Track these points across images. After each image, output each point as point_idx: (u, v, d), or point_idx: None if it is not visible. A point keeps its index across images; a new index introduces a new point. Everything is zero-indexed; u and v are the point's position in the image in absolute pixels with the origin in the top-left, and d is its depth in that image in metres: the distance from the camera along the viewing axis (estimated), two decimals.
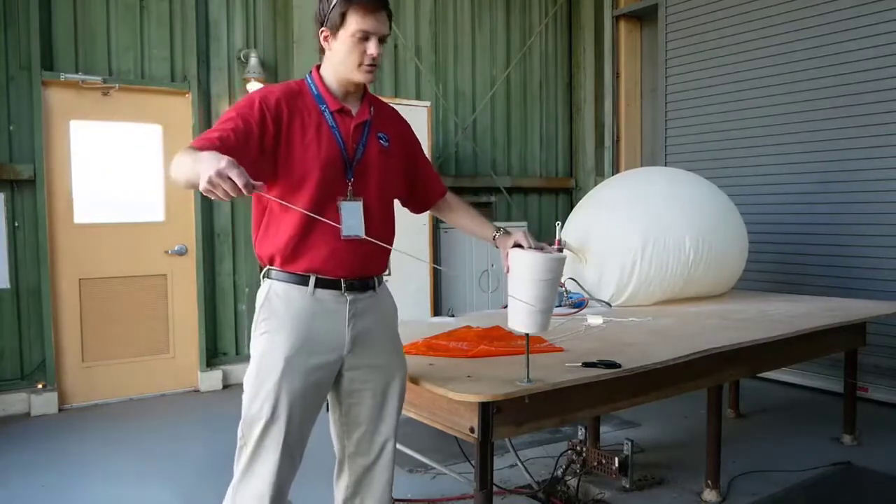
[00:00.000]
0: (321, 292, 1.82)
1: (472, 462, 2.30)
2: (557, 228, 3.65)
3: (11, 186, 4.34)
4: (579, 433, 3.31)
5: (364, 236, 1.84)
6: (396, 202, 2.07)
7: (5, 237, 4.35)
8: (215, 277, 5.04)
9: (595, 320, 3.04)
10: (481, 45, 6.19)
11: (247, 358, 5.50)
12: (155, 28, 4.76)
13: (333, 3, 1.77)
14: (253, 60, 4.93)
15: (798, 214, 4.95)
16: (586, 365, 2.21)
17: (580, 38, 6.65)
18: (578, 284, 3.52)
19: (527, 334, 1.99)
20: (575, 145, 6.78)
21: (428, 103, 5.41)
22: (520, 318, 1.93)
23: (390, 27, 1.85)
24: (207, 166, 1.39)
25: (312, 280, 1.82)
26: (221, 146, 1.60)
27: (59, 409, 4.41)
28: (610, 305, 3.47)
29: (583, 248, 3.57)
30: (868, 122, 4.54)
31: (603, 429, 3.63)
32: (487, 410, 1.99)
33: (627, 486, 3.06)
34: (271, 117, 1.76)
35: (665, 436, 3.87)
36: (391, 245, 1.96)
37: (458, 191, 5.27)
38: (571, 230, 3.71)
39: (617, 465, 3.01)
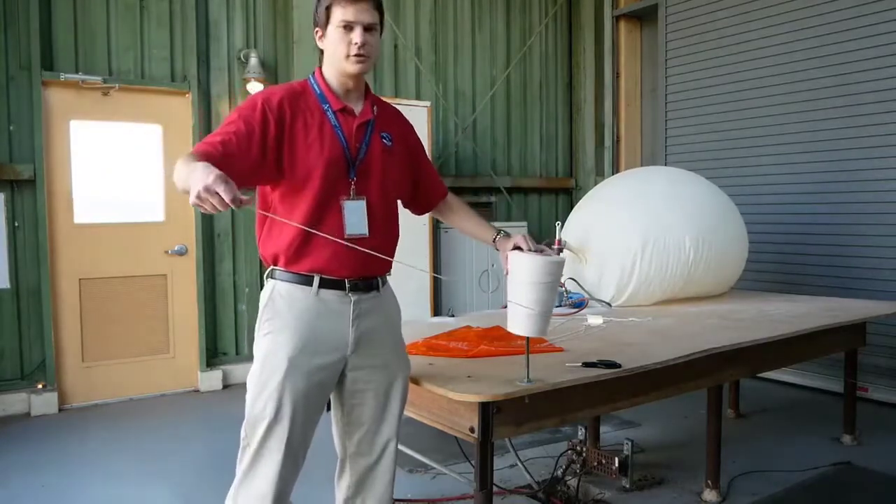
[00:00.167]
0: (325, 292, 1.83)
1: (472, 462, 2.30)
2: (557, 228, 3.65)
3: (11, 186, 4.34)
4: (579, 433, 3.31)
5: (367, 234, 1.84)
6: (399, 203, 2.08)
7: (5, 237, 4.35)
8: (215, 277, 5.04)
9: (595, 320, 3.05)
10: (481, 45, 6.19)
11: (247, 358, 5.54)
12: (155, 28, 4.76)
13: (320, 2, 1.83)
14: (253, 60, 4.93)
15: (798, 214, 4.95)
16: (586, 365, 2.21)
17: (580, 38, 6.65)
18: (578, 284, 3.52)
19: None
20: (575, 145, 6.78)
21: (428, 103, 5.41)
22: (519, 321, 1.93)
23: (381, 19, 1.86)
24: (197, 180, 1.41)
25: (316, 280, 1.82)
26: (223, 150, 1.63)
27: (59, 409, 4.41)
28: (610, 305, 3.47)
29: (583, 248, 3.57)
30: (868, 123, 4.54)
31: (603, 429, 3.63)
32: (487, 410, 1.99)
33: (627, 486, 3.06)
34: (273, 118, 1.77)
35: (665, 436, 3.87)
36: (394, 246, 1.97)
37: (458, 191, 5.28)
38: (571, 230, 3.70)
39: (617, 465, 3.01)
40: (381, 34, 1.88)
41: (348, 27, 1.79)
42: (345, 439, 1.96)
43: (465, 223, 2.19)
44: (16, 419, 4.26)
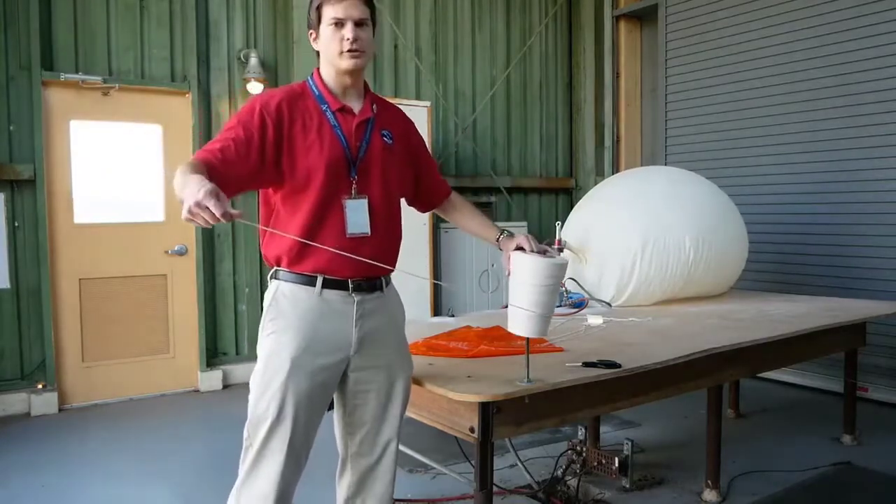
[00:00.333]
0: (328, 293, 1.83)
1: (472, 462, 2.30)
2: (557, 228, 3.65)
3: (11, 186, 4.34)
4: (579, 433, 3.31)
5: (369, 233, 1.84)
6: (402, 202, 2.08)
7: (5, 237, 4.34)
8: (215, 277, 5.04)
9: (595, 320, 3.05)
10: (481, 45, 6.19)
11: (247, 358, 5.54)
12: (155, 28, 4.76)
13: (311, 4, 1.85)
14: (253, 60, 4.93)
15: (798, 214, 4.95)
16: (586, 365, 2.21)
17: (580, 38, 6.65)
18: (578, 284, 3.52)
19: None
20: (575, 145, 6.78)
21: (428, 103, 5.41)
22: (519, 322, 1.93)
23: (372, 14, 1.87)
24: (188, 195, 1.43)
25: (320, 280, 1.82)
26: (223, 157, 1.67)
27: (59, 409, 4.41)
28: (610, 305, 3.47)
29: (583, 247, 3.57)
30: (868, 123, 4.54)
31: (603, 429, 3.63)
32: (487, 410, 1.99)
33: (627, 486, 3.06)
34: (272, 122, 1.78)
35: (665, 436, 3.87)
36: (397, 244, 1.97)
37: (458, 191, 5.25)
38: (571, 230, 3.70)
39: (617, 465, 3.01)
40: (374, 29, 1.89)
41: (339, 24, 1.81)
42: (347, 439, 1.96)
43: (468, 222, 2.18)
44: (16, 419, 4.26)
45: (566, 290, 3.40)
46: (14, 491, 3.20)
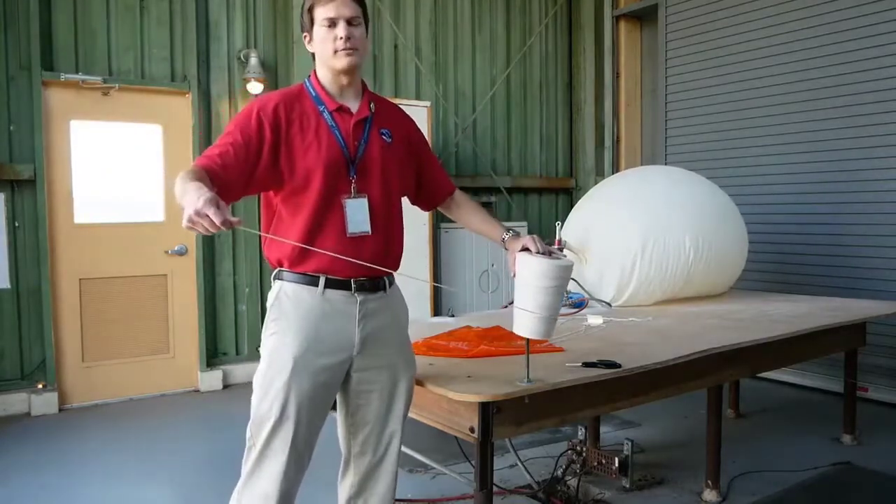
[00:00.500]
0: (331, 293, 1.83)
1: (472, 462, 2.30)
2: (557, 228, 3.65)
3: (11, 186, 4.34)
4: (579, 433, 3.31)
5: (369, 232, 1.85)
6: (405, 200, 2.07)
7: (5, 237, 4.35)
8: (215, 277, 5.04)
9: (595, 320, 3.05)
10: (481, 45, 6.19)
11: (247, 358, 5.53)
12: (155, 28, 4.76)
13: (303, 7, 1.87)
14: (253, 60, 4.93)
15: (798, 214, 4.95)
16: (586, 365, 2.21)
17: (580, 38, 6.65)
18: (578, 284, 3.52)
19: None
20: (575, 145, 6.78)
21: (428, 103, 5.41)
22: (523, 324, 1.93)
23: (364, 12, 1.88)
24: (188, 203, 1.44)
25: (322, 280, 1.82)
26: (222, 162, 1.69)
27: (59, 409, 4.41)
28: (610, 305, 3.47)
29: (583, 247, 3.57)
30: (868, 123, 4.54)
31: (603, 429, 3.63)
32: (487, 410, 1.99)
33: (627, 486, 3.06)
34: (269, 125, 1.79)
35: (665, 436, 3.87)
36: (399, 243, 1.97)
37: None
38: (571, 230, 3.70)
39: (617, 465, 3.00)
40: (367, 28, 1.89)
41: (332, 23, 1.82)
42: (349, 439, 1.97)
43: (472, 220, 2.17)
44: (16, 419, 4.26)
45: (566, 290, 3.40)
46: (14, 491, 3.20)
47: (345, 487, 2.00)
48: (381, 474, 1.95)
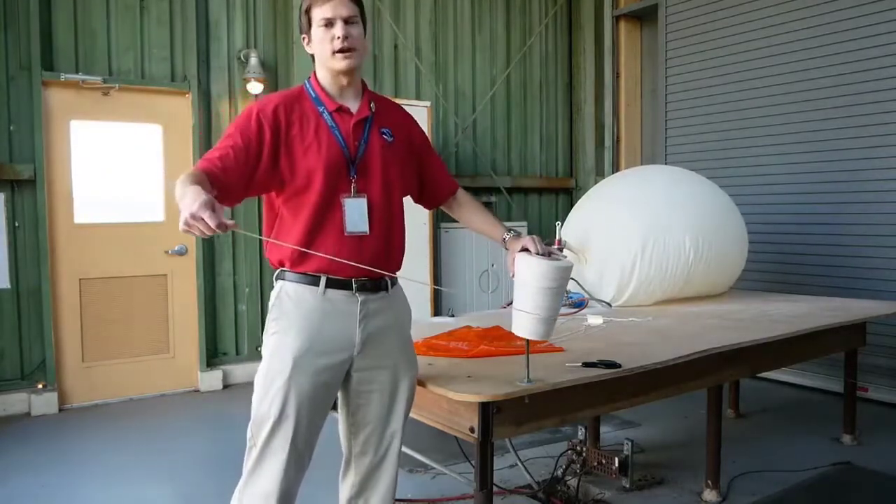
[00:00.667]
0: (332, 292, 1.83)
1: (472, 462, 2.30)
2: (557, 228, 3.64)
3: (11, 186, 4.34)
4: (579, 433, 3.31)
5: (367, 232, 1.85)
6: (408, 199, 2.07)
7: (5, 237, 4.35)
8: (215, 277, 5.04)
9: (595, 320, 3.05)
10: (481, 45, 6.18)
11: (247, 358, 5.53)
12: (155, 28, 4.76)
13: (301, 9, 1.89)
14: (253, 60, 4.93)
15: (798, 214, 4.95)
16: (586, 365, 2.21)
17: (580, 38, 6.65)
18: (578, 284, 3.52)
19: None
20: (575, 145, 6.78)
21: (428, 103, 5.41)
22: (522, 325, 1.93)
23: (361, 12, 1.88)
24: (184, 207, 1.46)
25: (323, 280, 1.83)
26: (222, 165, 1.70)
27: (59, 409, 4.41)
28: (610, 305, 3.47)
29: (583, 247, 3.57)
30: (868, 122, 4.54)
31: (603, 429, 3.63)
32: (487, 410, 1.99)
33: (627, 486, 3.06)
34: (269, 127, 1.80)
35: (665, 436, 3.87)
36: (399, 243, 1.96)
37: None
38: (571, 229, 3.70)
39: (617, 465, 3.00)
40: (365, 27, 1.90)
41: (329, 24, 1.82)
42: (350, 438, 1.97)
43: (474, 220, 2.17)
44: (16, 419, 4.26)
45: (566, 290, 3.39)
46: (14, 491, 3.20)
47: (346, 487, 2.00)
48: (382, 474, 1.95)
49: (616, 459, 3.01)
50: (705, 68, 5.54)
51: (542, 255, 1.91)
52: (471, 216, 2.17)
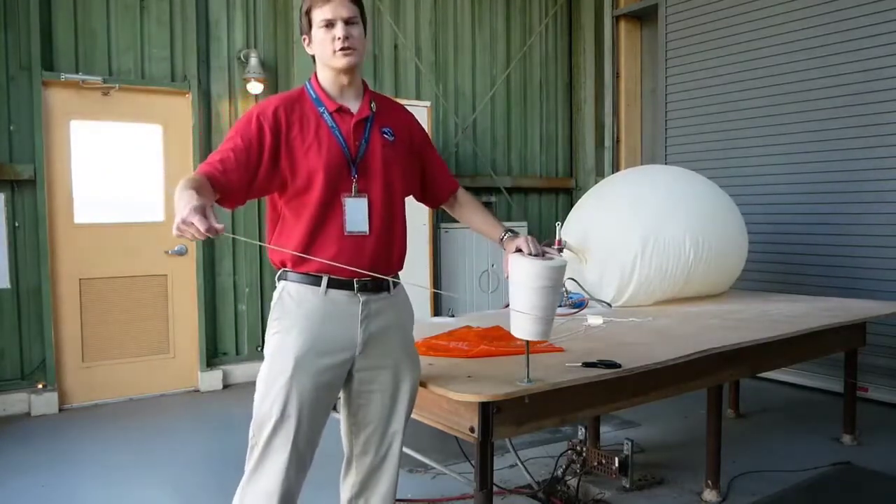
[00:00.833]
0: (334, 293, 1.84)
1: (472, 462, 2.30)
2: (557, 228, 3.64)
3: (11, 186, 4.34)
4: (579, 433, 3.31)
5: (367, 232, 1.85)
6: (411, 198, 2.07)
7: (5, 237, 4.34)
8: (215, 277, 5.04)
9: (595, 320, 3.05)
10: (481, 45, 6.19)
11: (247, 358, 5.53)
12: (155, 28, 4.75)
13: (301, 10, 1.90)
14: (253, 60, 4.93)
15: (798, 214, 4.95)
16: (586, 365, 2.21)
17: (580, 38, 6.65)
18: (578, 284, 3.52)
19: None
20: (575, 145, 6.78)
21: (428, 103, 5.42)
22: (519, 325, 1.93)
23: (361, 12, 1.89)
24: (177, 212, 1.48)
25: (325, 280, 1.83)
26: (223, 168, 1.72)
27: (60, 409, 4.41)
28: (610, 306, 3.47)
29: (583, 247, 3.57)
30: (869, 122, 4.54)
31: (603, 429, 3.63)
32: (487, 410, 1.99)
33: (627, 486, 3.06)
34: (269, 128, 1.80)
35: (665, 436, 3.87)
36: (400, 243, 1.96)
37: None
38: (571, 229, 3.70)
39: (617, 465, 3.00)
40: (364, 27, 1.90)
41: (329, 24, 1.83)
42: (352, 438, 1.98)
43: (473, 219, 2.18)
44: (16, 419, 4.26)
45: (566, 291, 3.40)
46: (14, 491, 3.20)
47: (347, 487, 2.01)
48: (383, 474, 1.95)
49: (616, 459, 3.01)
50: (705, 68, 5.54)
51: (535, 255, 1.92)
52: (470, 216, 2.18)
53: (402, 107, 2.11)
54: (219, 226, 1.47)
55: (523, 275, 1.89)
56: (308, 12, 1.86)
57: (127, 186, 4.75)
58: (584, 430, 3.32)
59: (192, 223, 1.45)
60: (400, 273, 1.98)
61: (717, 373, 2.79)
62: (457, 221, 2.27)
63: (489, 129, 6.25)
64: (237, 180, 1.74)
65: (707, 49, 5.52)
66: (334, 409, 1.96)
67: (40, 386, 4.41)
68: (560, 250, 3.51)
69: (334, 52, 1.83)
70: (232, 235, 1.78)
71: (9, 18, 4.30)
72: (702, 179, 3.93)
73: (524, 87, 6.46)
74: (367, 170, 1.88)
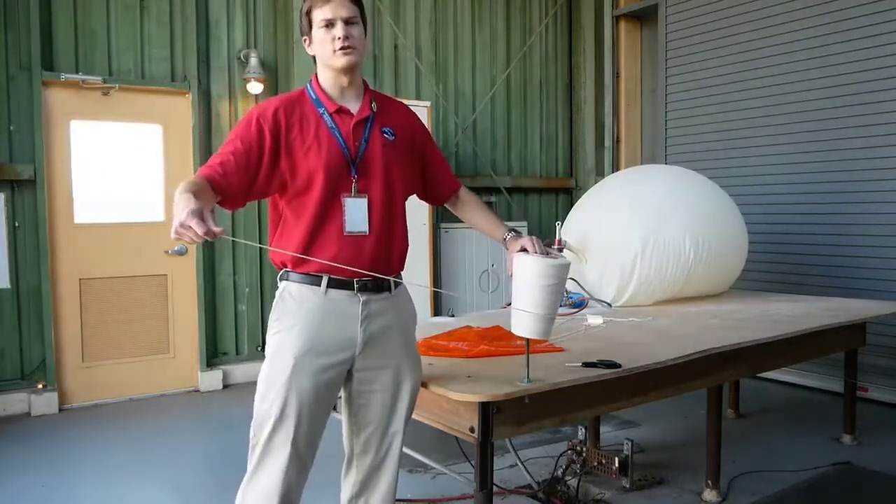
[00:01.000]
0: (334, 292, 1.84)
1: (472, 462, 2.30)
2: (557, 228, 3.64)
3: (11, 186, 4.34)
4: (579, 433, 3.31)
5: (367, 232, 1.85)
6: (413, 197, 2.07)
7: (5, 237, 4.35)
8: (215, 277, 5.04)
9: (595, 320, 3.05)
10: (481, 45, 6.19)
11: (247, 358, 5.53)
12: (155, 28, 4.76)
13: (301, 11, 1.90)
14: (253, 60, 4.93)
15: (798, 214, 4.95)
16: (586, 365, 2.21)
17: (580, 38, 6.65)
18: (578, 284, 3.52)
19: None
20: (575, 145, 6.78)
21: (428, 103, 5.42)
22: (521, 324, 1.93)
23: (361, 12, 1.89)
24: (175, 215, 1.49)
25: (325, 280, 1.83)
26: (223, 171, 1.73)
27: (60, 409, 4.41)
28: (610, 306, 3.47)
29: (583, 247, 3.57)
30: (868, 122, 4.54)
31: (603, 429, 3.63)
32: (487, 410, 1.99)
33: (627, 486, 3.06)
34: (269, 130, 1.81)
35: (665, 436, 3.87)
36: (401, 244, 1.96)
37: None
38: (571, 229, 3.70)
39: (617, 465, 3.00)
40: (364, 27, 1.90)
41: (329, 24, 1.83)
42: (352, 438, 1.98)
43: (476, 219, 2.18)
44: (16, 419, 4.26)
45: (566, 290, 3.40)
46: (14, 491, 3.20)
47: (347, 486, 2.01)
48: (383, 474, 1.96)
49: (616, 459, 3.01)
50: (705, 68, 5.54)
51: (539, 253, 1.93)
52: (473, 215, 2.18)
53: (404, 106, 2.10)
54: (217, 229, 1.48)
55: (529, 272, 1.89)
56: (308, 13, 1.86)
57: (127, 186, 4.75)
58: (584, 430, 3.32)
59: (190, 227, 1.46)
60: (402, 273, 1.98)
61: (717, 373, 2.79)
62: (457, 221, 2.27)
63: (489, 129, 6.25)
64: (237, 183, 1.75)
65: (707, 49, 5.52)
66: (335, 409, 1.96)
67: (40, 386, 4.41)
68: (560, 250, 3.51)
69: (334, 51, 1.83)
70: (231, 238, 1.79)
71: (9, 18, 4.30)
72: (702, 179, 3.93)
73: (524, 87, 6.46)
74: (366, 170, 1.88)
